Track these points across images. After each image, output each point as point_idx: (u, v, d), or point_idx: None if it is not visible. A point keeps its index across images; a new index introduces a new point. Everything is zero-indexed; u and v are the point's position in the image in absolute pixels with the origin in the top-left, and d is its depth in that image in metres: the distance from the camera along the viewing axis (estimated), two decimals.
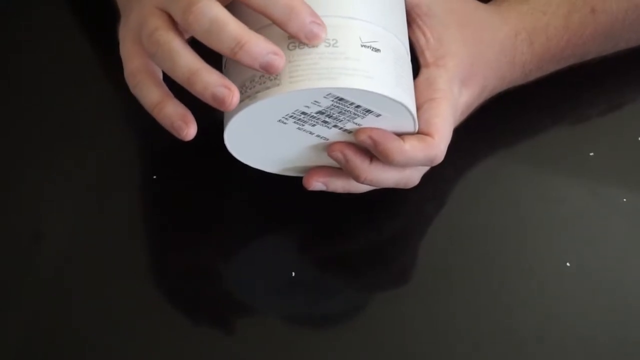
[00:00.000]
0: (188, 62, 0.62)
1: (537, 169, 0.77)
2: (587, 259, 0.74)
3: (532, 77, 0.77)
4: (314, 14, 0.62)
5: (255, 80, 0.63)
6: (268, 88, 0.63)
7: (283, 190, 0.73)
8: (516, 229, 0.75)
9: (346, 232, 0.75)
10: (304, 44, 0.63)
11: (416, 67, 0.70)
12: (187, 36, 0.64)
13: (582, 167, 0.77)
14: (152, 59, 0.65)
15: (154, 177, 0.76)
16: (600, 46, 0.78)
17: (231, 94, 0.62)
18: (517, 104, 0.77)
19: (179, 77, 0.63)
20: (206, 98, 0.62)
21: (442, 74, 0.70)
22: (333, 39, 0.63)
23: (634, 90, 0.82)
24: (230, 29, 0.61)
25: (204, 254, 0.73)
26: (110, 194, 0.75)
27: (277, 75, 0.63)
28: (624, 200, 0.76)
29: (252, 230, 0.75)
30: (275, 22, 0.62)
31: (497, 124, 0.77)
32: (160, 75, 0.66)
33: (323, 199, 0.72)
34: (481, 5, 0.75)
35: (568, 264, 0.73)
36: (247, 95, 0.64)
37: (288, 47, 0.63)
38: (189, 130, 0.64)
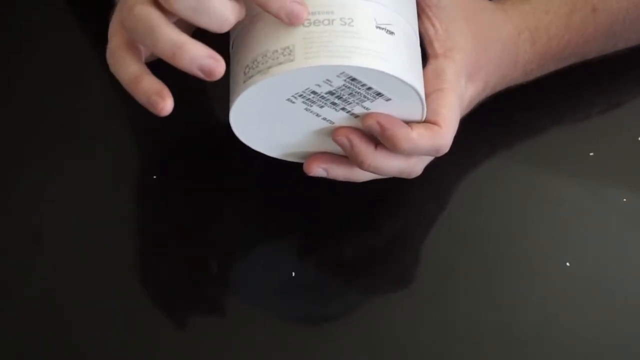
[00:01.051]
0: (171, 37, 0.61)
1: (537, 169, 0.77)
2: (587, 259, 0.74)
3: (533, 76, 0.77)
4: None
5: (268, 55, 0.62)
6: (281, 63, 0.62)
7: (283, 190, 0.73)
8: (516, 228, 0.75)
9: (346, 232, 0.74)
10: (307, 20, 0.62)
11: (424, 58, 0.69)
12: (172, 19, 0.62)
13: (582, 167, 0.77)
14: (133, 35, 0.63)
15: (154, 177, 0.76)
16: (600, 45, 0.78)
17: (218, 64, 0.61)
18: (517, 104, 0.77)
19: (162, 52, 0.61)
20: (193, 71, 0.61)
21: (450, 65, 0.69)
22: (349, 18, 0.63)
23: (634, 90, 0.82)
24: (216, 5, 0.61)
25: (204, 254, 0.73)
26: (110, 194, 0.75)
27: (290, 51, 0.62)
28: (624, 200, 0.76)
29: (252, 230, 0.75)
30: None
31: (497, 123, 0.77)
32: (141, 54, 0.64)
33: (323, 199, 0.73)
34: (488, 3, 0.74)
35: (568, 264, 0.73)
36: (259, 70, 0.62)
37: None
38: (165, 104, 0.62)
